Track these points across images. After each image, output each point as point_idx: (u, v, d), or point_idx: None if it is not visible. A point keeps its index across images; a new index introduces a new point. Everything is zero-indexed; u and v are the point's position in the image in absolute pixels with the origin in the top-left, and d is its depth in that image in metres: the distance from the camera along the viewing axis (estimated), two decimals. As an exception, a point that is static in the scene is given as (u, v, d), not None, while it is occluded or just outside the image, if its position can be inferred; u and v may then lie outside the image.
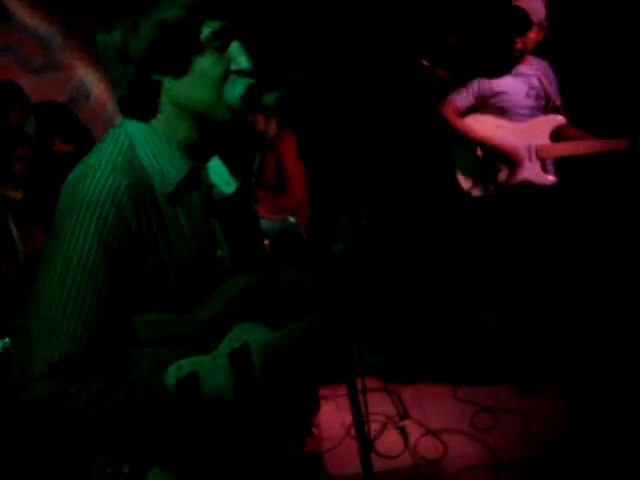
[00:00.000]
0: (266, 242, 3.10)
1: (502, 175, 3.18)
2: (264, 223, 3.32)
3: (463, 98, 3.21)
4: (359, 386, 1.31)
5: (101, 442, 1.19)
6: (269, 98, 1.20)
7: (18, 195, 3.23)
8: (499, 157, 3.17)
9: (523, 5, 3.01)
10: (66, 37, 4.79)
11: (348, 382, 1.20)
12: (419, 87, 3.81)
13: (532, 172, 3.19)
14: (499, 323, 3.44)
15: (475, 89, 3.19)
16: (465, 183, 3.23)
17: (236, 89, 1.21)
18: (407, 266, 3.58)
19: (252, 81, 1.22)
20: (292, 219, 3.47)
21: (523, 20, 3.00)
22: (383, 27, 4.16)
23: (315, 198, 3.70)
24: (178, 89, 1.22)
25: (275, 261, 1.53)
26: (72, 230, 1.16)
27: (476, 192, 3.22)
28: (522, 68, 3.19)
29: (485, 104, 3.20)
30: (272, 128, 3.41)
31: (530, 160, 3.17)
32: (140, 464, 1.22)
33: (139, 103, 1.24)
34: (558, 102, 3.26)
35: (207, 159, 1.33)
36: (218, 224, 1.33)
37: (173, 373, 1.21)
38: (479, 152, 3.21)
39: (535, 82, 3.20)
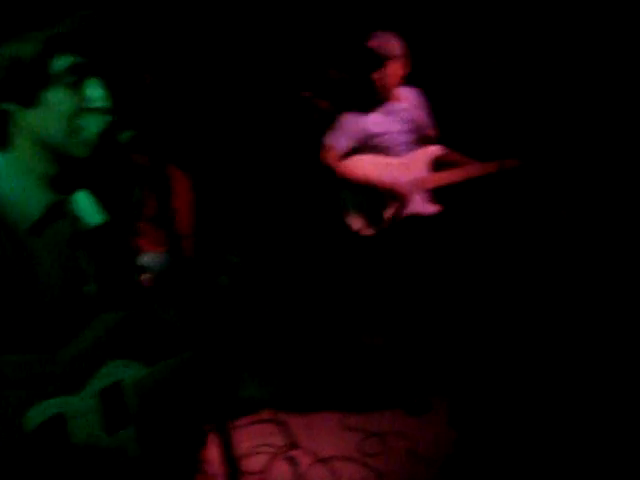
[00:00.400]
0: (147, 276, 3.03)
1: (391, 211, 3.29)
2: (145, 257, 3.25)
3: (342, 141, 3.31)
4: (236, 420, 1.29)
5: None
6: (124, 136, 1.21)
7: None
8: (385, 194, 3.27)
9: (375, 44, 3.19)
10: None
11: (217, 419, 1.18)
12: (299, 118, 3.88)
13: (418, 204, 3.32)
14: (384, 348, 3.53)
15: (352, 131, 3.30)
16: (356, 223, 3.31)
17: (93, 126, 1.21)
18: (291, 297, 3.60)
19: (109, 118, 1.23)
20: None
21: (373, 58, 3.18)
22: (262, 58, 4.22)
23: (200, 231, 3.66)
24: (28, 120, 1.20)
25: (154, 295, 1.50)
26: None
27: (367, 231, 3.30)
28: (392, 105, 3.34)
29: (365, 145, 3.31)
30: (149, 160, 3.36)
31: (415, 193, 3.30)
32: None
33: None
34: (431, 130, 3.43)
35: (72, 191, 1.30)
36: (86, 258, 1.29)
37: (35, 416, 1.15)
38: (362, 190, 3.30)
39: (407, 116, 3.35)
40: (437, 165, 3.38)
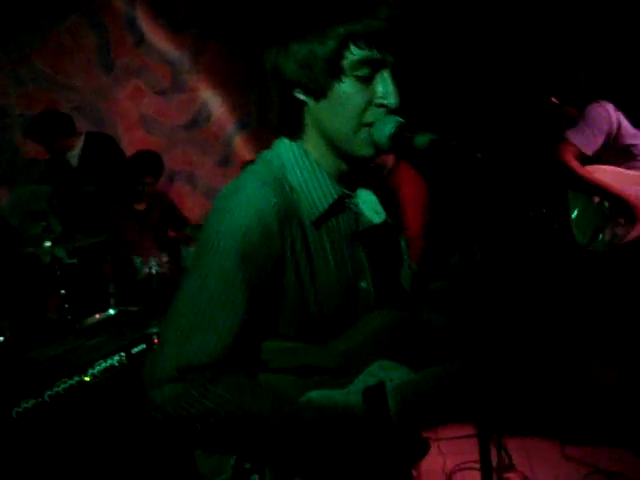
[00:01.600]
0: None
1: (621, 229, 3.00)
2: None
3: (586, 138, 3.03)
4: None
5: (225, 446, 1.17)
6: (421, 140, 1.10)
7: (141, 207, 3.97)
8: (620, 208, 2.98)
9: None
10: (193, 61, 5.00)
11: (481, 431, 1.09)
12: (547, 125, 3.69)
13: None
14: (618, 382, 3.24)
15: (602, 126, 3.01)
16: (581, 235, 3.07)
17: (386, 127, 1.15)
18: (521, 311, 3.43)
19: (402, 120, 1.15)
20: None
21: None
22: (513, 64, 4.09)
23: (428, 234, 3.62)
24: (319, 112, 1.20)
25: (423, 300, 1.46)
26: (217, 244, 1.15)
27: (592, 246, 3.05)
28: None
29: (612, 146, 3.02)
30: (390, 159, 3.37)
31: None
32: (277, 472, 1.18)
33: (287, 121, 1.24)
34: None
35: (357, 187, 1.30)
36: (364, 254, 1.29)
37: (305, 402, 1.17)
38: (598, 202, 3.04)
39: None
40: None
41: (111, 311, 3.12)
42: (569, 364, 3.52)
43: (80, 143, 3.96)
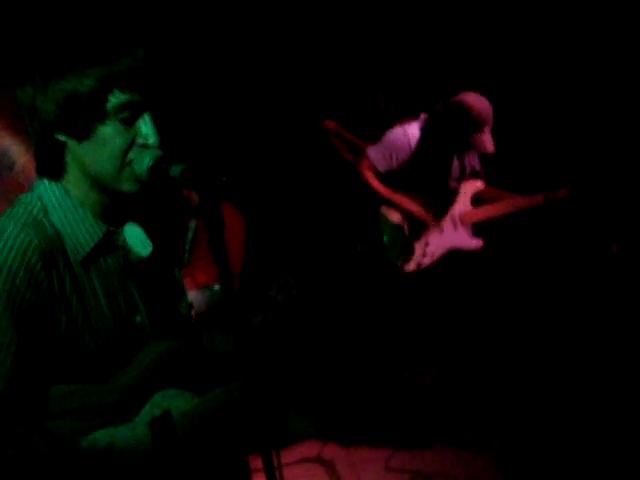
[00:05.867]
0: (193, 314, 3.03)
1: (430, 248, 3.25)
2: (190, 295, 3.27)
3: (382, 160, 3.21)
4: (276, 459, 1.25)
5: None
6: (175, 170, 1.18)
7: None
8: (420, 226, 3.23)
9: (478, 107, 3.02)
10: (-11, 108, 4.72)
11: (264, 453, 1.14)
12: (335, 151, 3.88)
13: (459, 239, 3.27)
14: (435, 384, 3.46)
15: (394, 158, 3.22)
16: (394, 257, 3.28)
17: (144, 160, 1.21)
18: (337, 331, 3.56)
19: (159, 153, 1.22)
20: (218, 287, 3.42)
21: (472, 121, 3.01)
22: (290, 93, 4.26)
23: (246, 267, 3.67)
24: (81, 153, 1.23)
25: (202, 325, 1.50)
26: None
27: (410, 267, 3.26)
28: None
29: (403, 174, 3.26)
30: (195, 195, 3.39)
31: (455, 228, 3.26)
32: None
33: (47, 161, 1.25)
34: (477, 166, 3.38)
35: (123, 222, 1.32)
36: (135, 289, 1.32)
37: (86, 447, 1.15)
38: (405, 228, 3.27)
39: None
40: (477, 201, 3.34)
41: None
42: (383, 371, 3.70)
43: None
